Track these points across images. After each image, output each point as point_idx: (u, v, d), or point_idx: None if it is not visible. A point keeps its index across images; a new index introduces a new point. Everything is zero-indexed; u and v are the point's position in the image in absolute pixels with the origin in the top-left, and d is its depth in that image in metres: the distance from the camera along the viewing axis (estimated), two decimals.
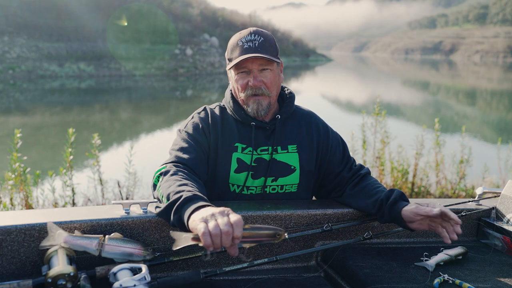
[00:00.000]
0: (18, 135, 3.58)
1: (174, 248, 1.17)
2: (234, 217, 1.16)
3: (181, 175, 1.48)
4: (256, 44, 1.64)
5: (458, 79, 46.90)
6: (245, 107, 1.72)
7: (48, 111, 16.39)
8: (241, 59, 1.62)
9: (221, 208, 1.20)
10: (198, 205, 1.25)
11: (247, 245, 1.24)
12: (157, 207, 1.46)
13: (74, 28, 33.93)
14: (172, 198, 1.34)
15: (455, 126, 14.03)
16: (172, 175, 1.47)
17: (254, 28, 1.71)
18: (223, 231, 1.12)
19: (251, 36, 1.66)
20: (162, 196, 1.41)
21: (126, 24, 36.44)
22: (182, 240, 1.16)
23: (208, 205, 1.26)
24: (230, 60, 1.70)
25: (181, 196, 1.32)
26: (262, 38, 1.66)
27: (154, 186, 1.52)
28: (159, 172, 1.52)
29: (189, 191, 1.34)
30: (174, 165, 1.56)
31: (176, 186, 1.39)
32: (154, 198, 1.54)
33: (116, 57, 32.44)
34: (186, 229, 1.26)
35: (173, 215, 1.32)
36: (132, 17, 38.18)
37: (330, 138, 1.83)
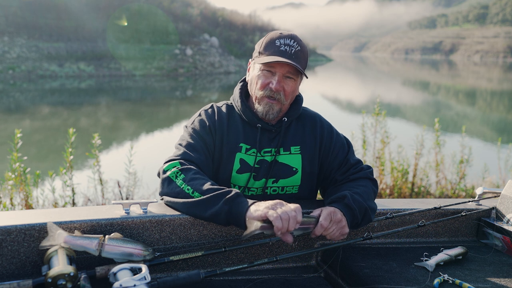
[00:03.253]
0: (18, 135, 3.58)
1: (245, 235, 1.35)
2: (294, 205, 1.34)
3: (205, 175, 1.55)
4: (293, 51, 1.62)
5: (458, 79, 46.89)
6: (255, 104, 1.70)
7: (48, 111, 16.39)
8: (274, 60, 1.59)
9: (278, 200, 1.37)
10: (254, 200, 1.41)
11: (297, 233, 1.42)
12: (185, 200, 1.48)
13: (74, 28, 33.94)
14: (217, 192, 1.44)
15: (455, 126, 14.03)
16: (196, 173, 1.52)
17: (295, 34, 1.69)
18: (291, 215, 1.31)
19: (290, 41, 1.64)
20: (192, 191, 1.46)
21: (126, 24, 36.44)
22: (253, 227, 1.32)
23: (258, 201, 1.41)
24: (260, 53, 1.66)
25: (231, 191, 1.44)
26: (299, 48, 1.64)
27: (170, 181, 1.52)
28: (175, 167, 1.53)
29: (234, 189, 1.47)
30: (188, 163, 1.57)
31: (211, 184, 1.48)
32: (166, 192, 1.54)
33: (116, 57, 32.44)
34: (226, 222, 1.42)
35: (223, 205, 1.41)
36: (132, 17, 38.18)
37: (334, 142, 1.80)
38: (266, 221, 1.32)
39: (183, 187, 1.49)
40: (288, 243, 1.36)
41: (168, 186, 1.53)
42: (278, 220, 1.29)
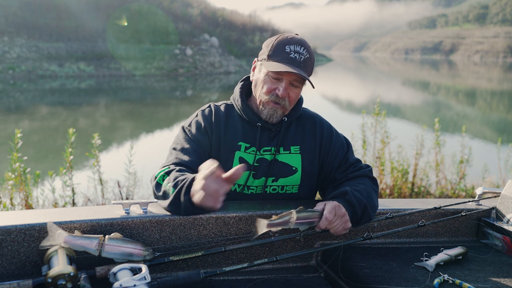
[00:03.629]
0: (19, 135, 3.58)
1: (252, 238, 1.42)
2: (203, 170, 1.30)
3: (186, 171, 1.56)
4: (302, 59, 1.61)
5: (458, 79, 46.89)
6: (260, 106, 1.70)
7: (48, 111, 16.39)
8: (284, 70, 1.58)
9: (197, 176, 1.34)
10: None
11: (303, 227, 1.44)
12: (171, 201, 1.49)
13: (74, 28, 33.94)
14: (178, 186, 1.45)
15: (455, 126, 14.03)
16: (177, 171, 1.54)
17: (304, 39, 1.67)
18: (207, 183, 1.27)
19: (300, 48, 1.62)
20: (168, 186, 1.48)
21: (126, 24, 36.45)
22: (260, 227, 1.38)
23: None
24: (269, 57, 1.65)
25: (187, 179, 1.44)
26: (308, 56, 1.64)
27: (158, 185, 1.55)
28: (163, 172, 1.56)
29: (194, 175, 1.44)
30: (176, 166, 1.59)
31: (182, 174, 1.50)
32: (157, 196, 1.56)
33: (116, 57, 32.45)
34: (196, 209, 1.41)
35: (184, 196, 1.42)
36: (132, 17, 38.20)
37: (333, 141, 1.81)
38: (274, 219, 1.39)
39: (165, 187, 1.51)
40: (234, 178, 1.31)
41: (157, 190, 1.56)
42: (205, 201, 1.28)
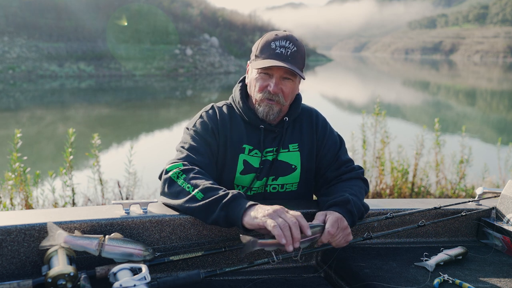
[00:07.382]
0: (18, 135, 3.58)
1: (243, 254, 1.32)
2: (295, 212, 1.30)
3: (206, 175, 1.53)
4: (288, 53, 1.61)
5: (458, 79, 46.88)
6: (256, 106, 1.70)
7: (48, 111, 16.39)
8: (270, 65, 1.59)
9: (278, 207, 1.31)
10: (252, 203, 1.35)
11: (305, 245, 1.33)
12: (187, 201, 1.44)
13: (74, 28, 33.94)
14: (215, 196, 1.39)
15: (455, 126, 14.03)
16: (198, 173, 1.50)
17: (290, 34, 1.67)
18: (291, 223, 1.25)
19: (285, 42, 1.63)
20: (192, 189, 1.44)
21: (126, 24, 36.45)
22: (250, 245, 1.23)
23: (258, 204, 1.35)
24: (257, 56, 1.66)
25: (227, 194, 1.39)
26: (295, 48, 1.63)
27: (172, 182, 1.51)
28: (178, 169, 1.51)
29: (231, 190, 1.42)
30: (190, 164, 1.55)
31: (211, 183, 1.44)
32: (167, 193, 1.53)
33: (116, 57, 32.45)
34: (227, 226, 1.39)
35: (220, 211, 1.38)
36: (132, 17, 38.18)
37: (327, 137, 1.81)
38: (266, 236, 1.27)
39: (183, 186, 1.47)
40: (294, 254, 1.29)
41: (169, 187, 1.52)
42: (276, 228, 1.23)
